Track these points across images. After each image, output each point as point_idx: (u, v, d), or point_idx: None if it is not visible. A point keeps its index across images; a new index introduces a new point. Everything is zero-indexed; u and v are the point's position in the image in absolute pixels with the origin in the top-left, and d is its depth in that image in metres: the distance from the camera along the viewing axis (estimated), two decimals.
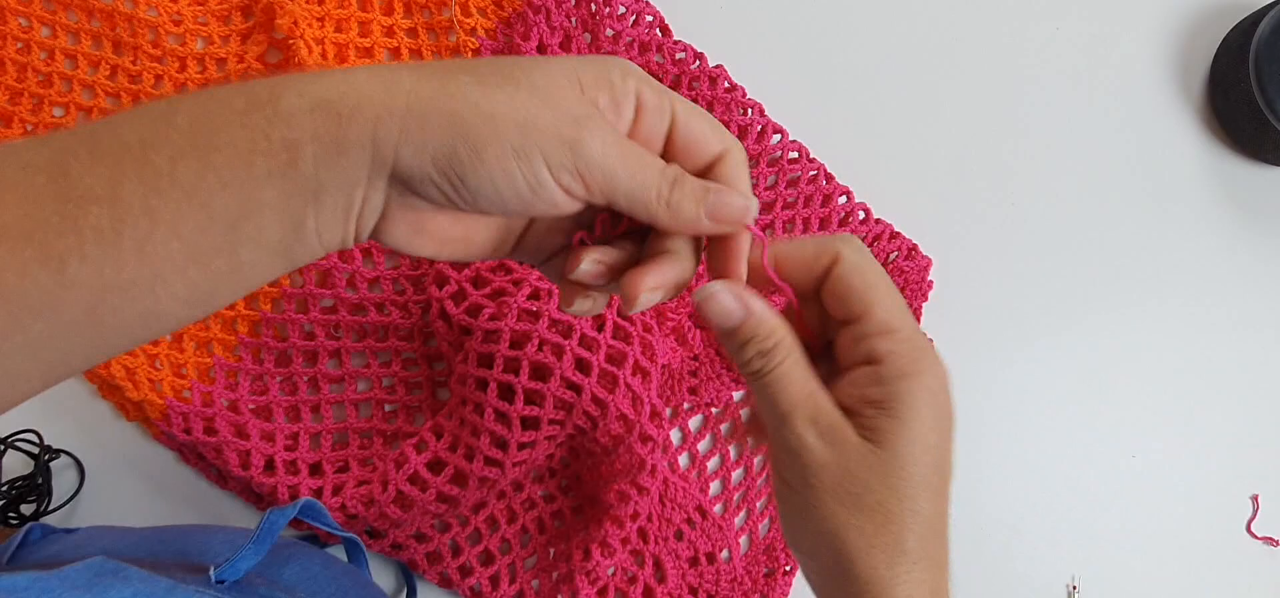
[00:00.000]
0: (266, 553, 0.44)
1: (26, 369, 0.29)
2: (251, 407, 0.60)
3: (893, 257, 0.63)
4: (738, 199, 0.33)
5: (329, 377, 0.61)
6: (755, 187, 0.62)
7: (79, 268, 0.28)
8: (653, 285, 0.33)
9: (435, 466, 0.57)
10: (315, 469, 0.60)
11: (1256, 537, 0.66)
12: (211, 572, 0.42)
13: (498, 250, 0.36)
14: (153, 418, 0.58)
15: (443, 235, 0.33)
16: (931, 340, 0.34)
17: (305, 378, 0.61)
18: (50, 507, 0.59)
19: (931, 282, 0.65)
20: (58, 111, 0.62)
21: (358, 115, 0.29)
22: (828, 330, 0.36)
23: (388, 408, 0.62)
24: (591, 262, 0.34)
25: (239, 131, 0.29)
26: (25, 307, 0.28)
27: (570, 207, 0.32)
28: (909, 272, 0.64)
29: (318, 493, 0.58)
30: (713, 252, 0.35)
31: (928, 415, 0.33)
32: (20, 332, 0.28)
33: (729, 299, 0.34)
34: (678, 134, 0.34)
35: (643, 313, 0.54)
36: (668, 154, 0.34)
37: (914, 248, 0.64)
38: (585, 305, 0.36)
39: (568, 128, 0.30)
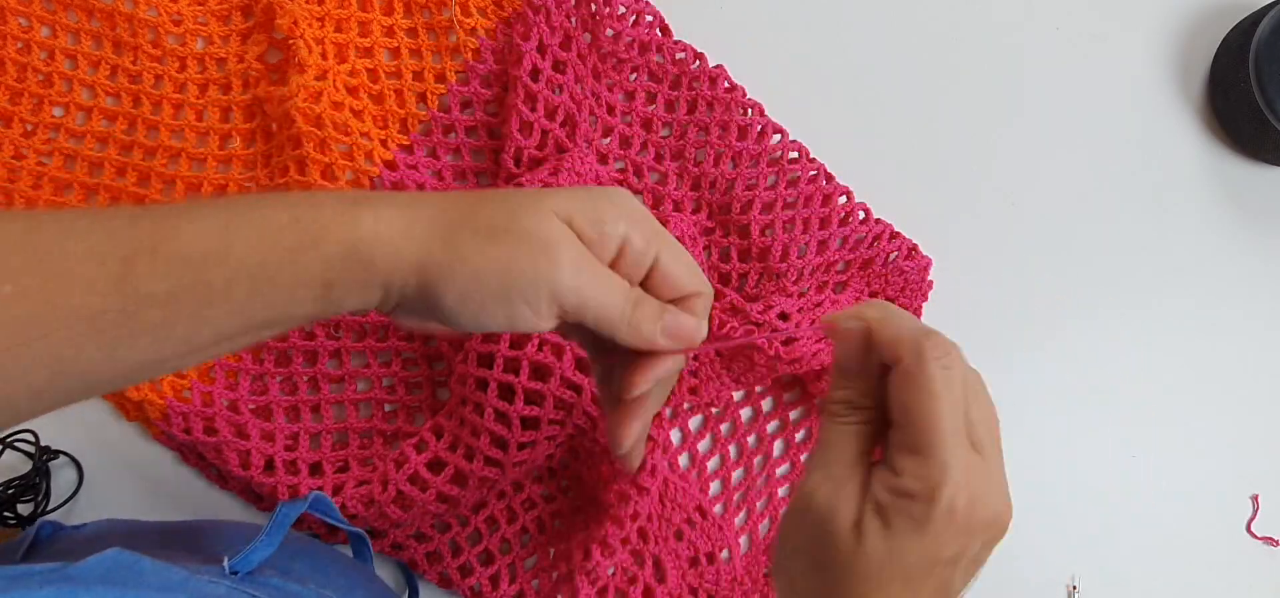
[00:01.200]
0: (278, 546, 0.44)
1: (44, 405, 0.33)
2: (251, 406, 0.60)
3: (893, 257, 0.63)
4: (690, 321, 0.39)
5: (329, 376, 0.61)
6: (755, 187, 0.63)
7: (128, 352, 0.33)
8: (636, 433, 0.42)
9: (435, 465, 0.57)
10: (315, 469, 0.60)
11: (1256, 537, 0.66)
12: (226, 562, 0.42)
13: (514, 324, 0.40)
14: (152, 418, 0.58)
15: (446, 329, 0.39)
16: (987, 464, 0.34)
17: (305, 378, 0.61)
18: (49, 507, 0.59)
19: (932, 282, 0.65)
20: (58, 111, 0.62)
21: (377, 266, 0.35)
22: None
23: (388, 408, 0.62)
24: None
25: (289, 270, 0.34)
26: (70, 373, 0.32)
27: (547, 326, 0.37)
28: (909, 272, 0.63)
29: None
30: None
31: (912, 545, 0.33)
32: (55, 390, 0.33)
33: (855, 344, 0.37)
34: (657, 273, 0.39)
35: None
36: (646, 284, 0.39)
37: (914, 248, 0.64)
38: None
39: (544, 266, 0.36)
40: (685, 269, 0.39)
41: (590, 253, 0.37)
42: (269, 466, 0.59)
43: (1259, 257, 0.68)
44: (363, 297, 0.36)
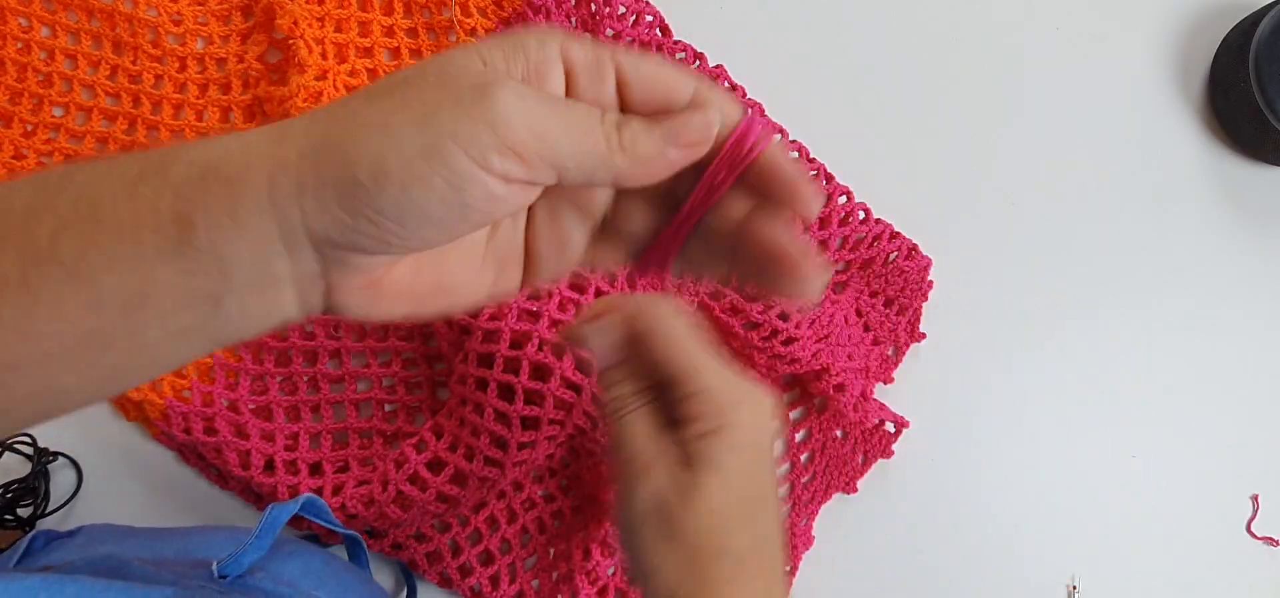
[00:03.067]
0: (269, 549, 0.44)
1: None
2: (251, 407, 0.60)
3: (892, 257, 0.63)
4: (697, 117, 0.29)
5: (329, 376, 0.61)
6: None
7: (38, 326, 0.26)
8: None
9: (435, 465, 0.57)
10: (315, 469, 0.60)
11: (1256, 537, 0.66)
12: (214, 566, 0.42)
13: (498, 283, 0.33)
14: (152, 418, 0.58)
15: (410, 291, 0.30)
16: (744, 380, 0.36)
17: (305, 378, 0.61)
18: (48, 509, 0.59)
19: (932, 281, 0.64)
20: (57, 111, 0.62)
21: (248, 177, 0.26)
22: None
23: (388, 408, 0.62)
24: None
25: (126, 204, 0.26)
26: None
27: (518, 197, 0.28)
28: (909, 272, 0.63)
29: (318, 493, 0.58)
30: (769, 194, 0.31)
31: (732, 464, 0.34)
32: None
33: (592, 347, 0.36)
34: (631, 91, 0.30)
35: None
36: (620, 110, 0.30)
37: (914, 248, 0.64)
38: None
39: (475, 101, 0.26)
40: (664, 68, 0.30)
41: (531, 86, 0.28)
42: (269, 466, 0.59)
43: (1259, 257, 0.68)
44: (243, 238, 0.26)
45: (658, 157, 0.29)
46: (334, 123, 0.27)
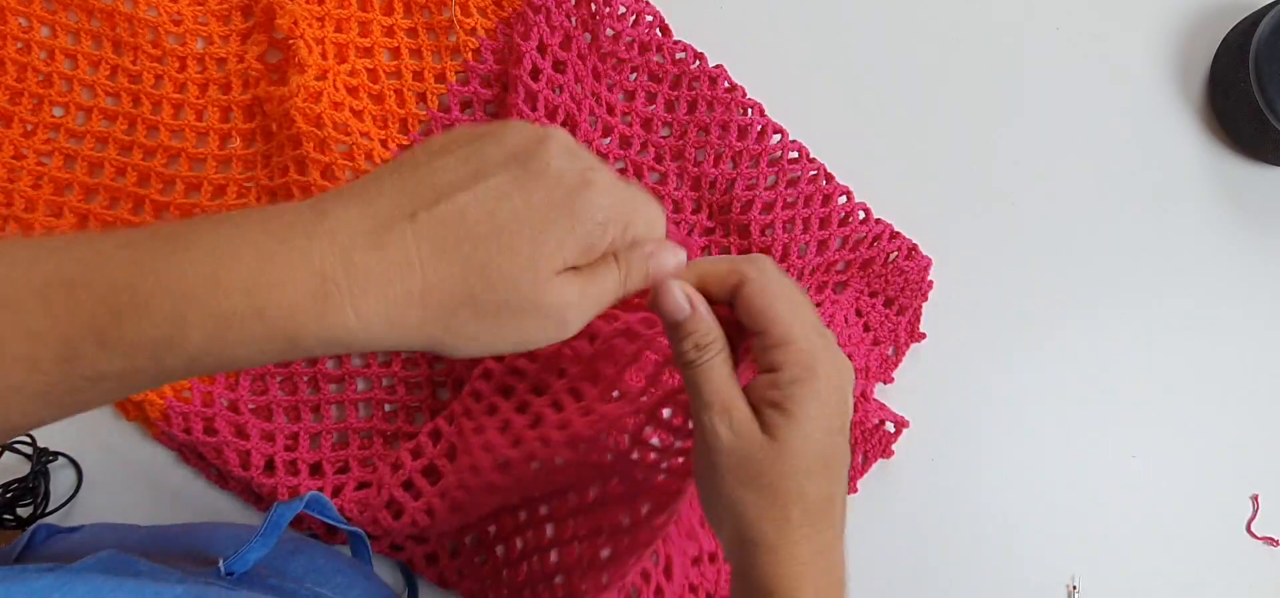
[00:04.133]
0: (274, 546, 0.44)
1: None
2: (251, 406, 0.60)
3: (892, 256, 0.63)
4: (670, 256, 0.39)
5: (329, 376, 0.61)
6: (755, 187, 0.63)
7: (81, 405, 0.31)
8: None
9: (431, 472, 0.57)
10: (315, 469, 0.60)
11: (1256, 537, 0.66)
12: (220, 563, 0.42)
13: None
14: (152, 417, 0.58)
15: None
16: (831, 341, 0.40)
17: (305, 378, 0.61)
18: (48, 509, 0.59)
19: (932, 281, 0.64)
20: (58, 111, 0.62)
21: (367, 349, 0.33)
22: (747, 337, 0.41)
23: (388, 408, 0.62)
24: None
25: (254, 355, 0.32)
26: (17, 428, 0.31)
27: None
28: (909, 271, 0.63)
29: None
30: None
31: (814, 414, 0.38)
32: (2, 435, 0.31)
33: (680, 296, 0.39)
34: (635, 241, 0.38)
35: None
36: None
37: (914, 247, 0.64)
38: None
39: (555, 329, 0.35)
40: (657, 221, 0.39)
41: (585, 273, 0.36)
42: (269, 466, 0.59)
43: (1259, 257, 0.68)
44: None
45: (641, 283, 0.38)
46: (448, 331, 0.34)
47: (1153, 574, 0.66)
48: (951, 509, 0.65)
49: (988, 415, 0.66)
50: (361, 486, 0.59)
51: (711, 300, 0.40)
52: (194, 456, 0.61)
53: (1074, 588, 0.65)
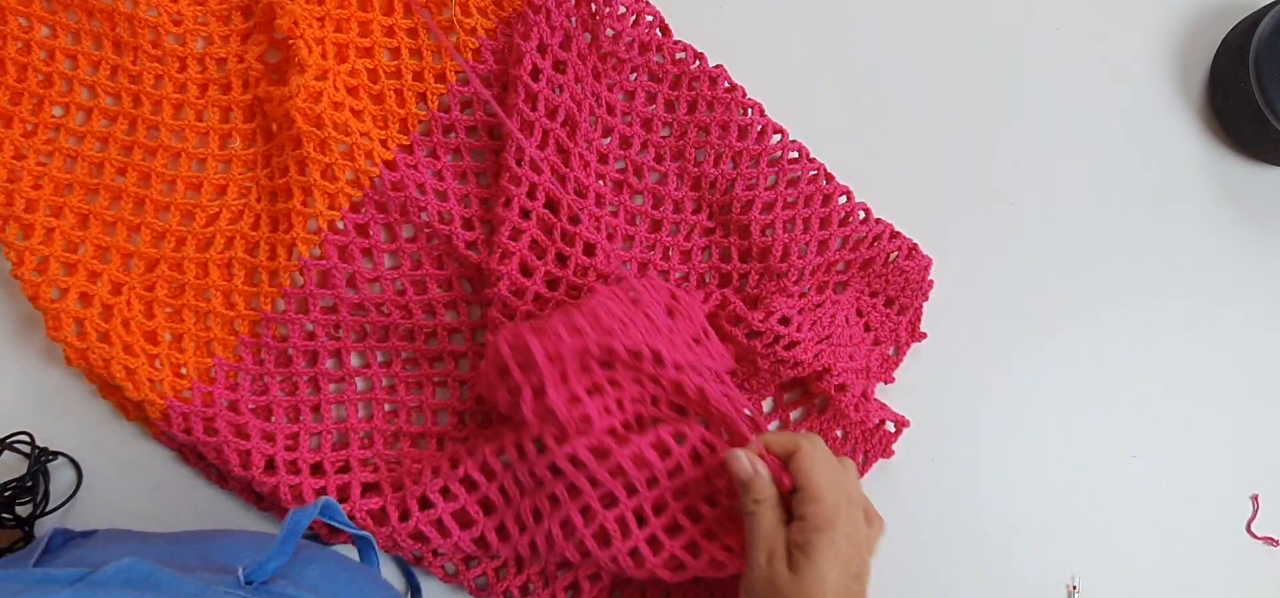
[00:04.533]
0: (291, 554, 0.44)
1: None
2: (252, 407, 0.60)
3: (893, 256, 0.63)
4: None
5: (329, 376, 0.61)
6: (756, 187, 0.63)
7: None
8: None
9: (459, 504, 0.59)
10: (316, 469, 0.60)
11: (1256, 537, 0.67)
12: (240, 572, 0.42)
13: None
14: (153, 417, 0.58)
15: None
16: (857, 508, 0.51)
17: (305, 378, 0.61)
18: (47, 509, 0.59)
19: (932, 281, 0.64)
20: (58, 111, 0.62)
21: None
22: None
23: (388, 408, 0.62)
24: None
25: None
26: None
27: None
28: (909, 271, 0.63)
29: (320, 493, 0.58)
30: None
31: (830, 559, 0.48)
32: None
33: (746, 463, 0.52)
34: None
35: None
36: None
37: (914, 247, 0.64)
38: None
39: None
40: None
41: None
42: (270, 466, 0.59)
43: (1259, 257, 0.68)
44: None
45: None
46: None
47: (1153, 574, 0.66)
48: (951, 509, 0.65)
49: (988, 416, 0.66)
50: (368, 488, 0.59)
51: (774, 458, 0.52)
52: (194, 455, 0.61)
53: (1074, 588, 0.65)
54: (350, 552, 0.57)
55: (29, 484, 0.58)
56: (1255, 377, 0.68)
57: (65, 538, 0.49)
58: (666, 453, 0.55)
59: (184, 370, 0.59)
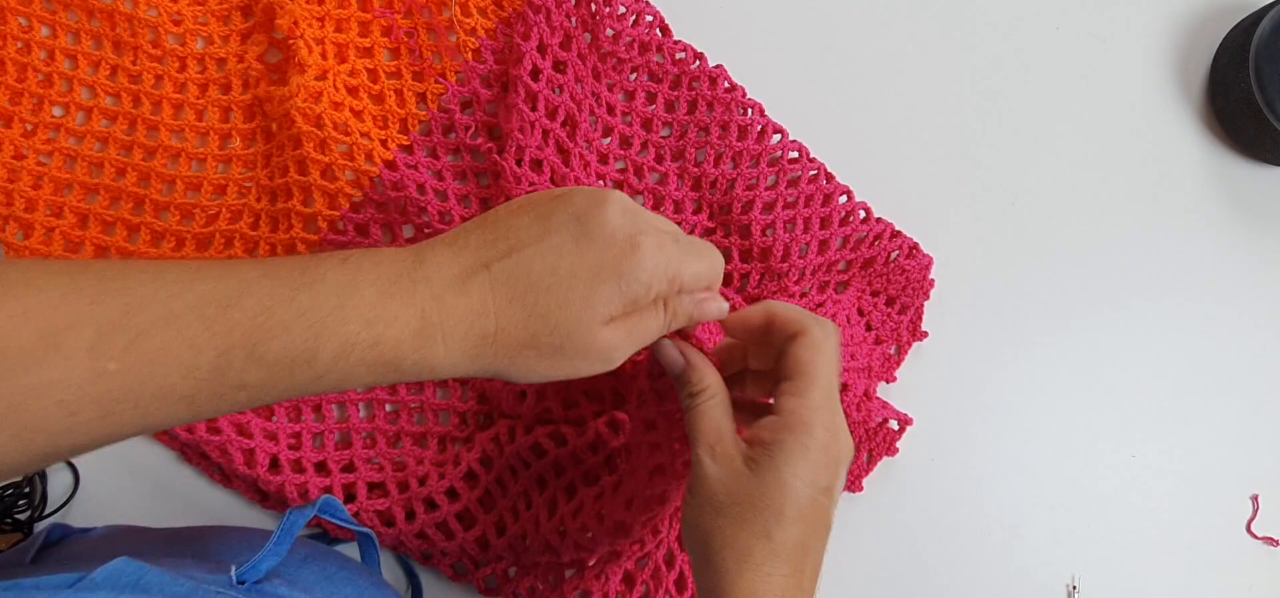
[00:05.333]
0: (286, 553, 0.44)
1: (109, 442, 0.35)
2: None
3: (894, 255, 0.63)
4: (715, 302, 0.45)
5: None
6: (756, 187, 0.63)
7: (211, 412, 0.36)
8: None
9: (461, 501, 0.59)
10: (321, 467, 0.60)
11: (1256, 537, 0.66)
12: (233, 571, 0.42)
13: None
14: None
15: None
16: (841, 418, 0.44)
17: None
18: (45, 511, 0.59)
19: (933, 280, 0.64)
20: (58, 111, 0.62)
21: (450, 375, 0.39)
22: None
23: (389, 408, 0.62)
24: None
25: (367, 375, 0.38)
26: (151, 427, 0.35)
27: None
28: (910, 270, 0.63)
29: (325, 491, 0.58)
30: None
31: (798, 463, 0.41)
32: (127, 437, 0.35)
33: (673, 352, 0.45)
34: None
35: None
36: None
37: (915, 246, 0.64)
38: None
39: (603, 366, 0.41)
40: (707, 275, 0.44)
41: (632, 317, 0.41)
42: (274, 464, 0.59)
43: (1259, 257, 0.68)
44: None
45: (689, 315, 0.43)
46: (512, 364, 0.40)
47: (1153, 574, 0.66)
48: (952, 509, 0.65)
49: (987, 415, 0.66)
50: (374, 488, 0.59)
51: (748, 334, 0.46)
52: (196, 454, 0.61)
53: (1074, 588, 0.65)
54: (351, 550, 0.57)
55: (26, 490, 0.58)
56: (1255, 377, 0.68)
57: (62, 533, 0.49)
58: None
59: None
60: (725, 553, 0.42)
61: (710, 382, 0.44)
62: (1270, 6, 0.64)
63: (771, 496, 0.41)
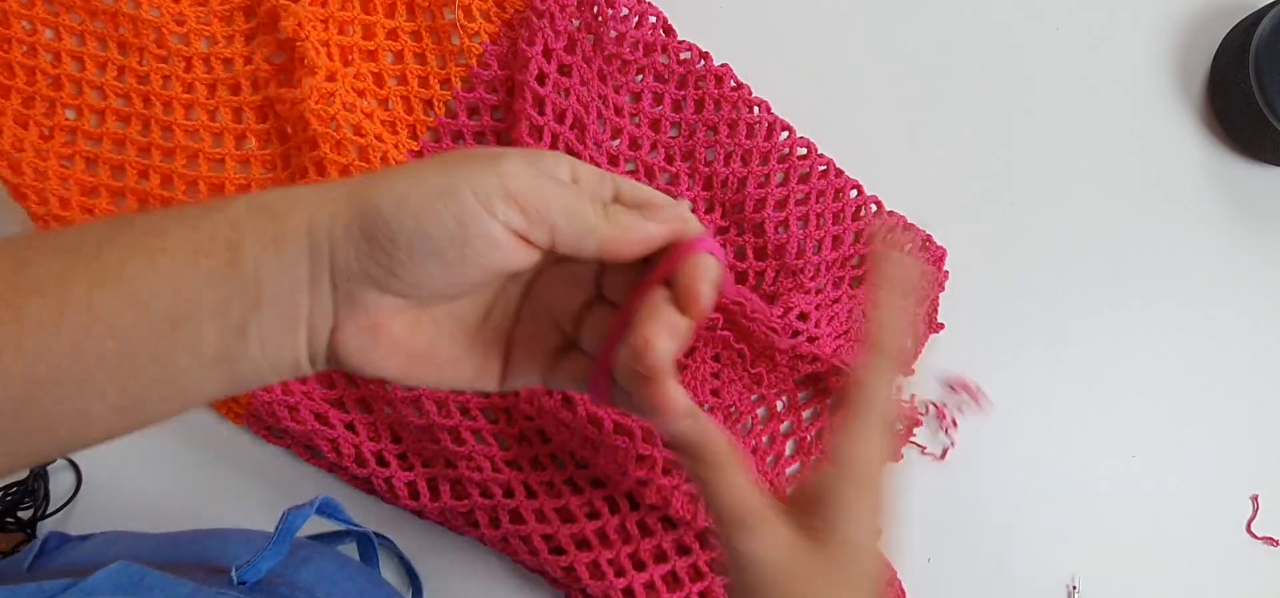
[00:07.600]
0: (285, 554, 0.44)
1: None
2: (327, 399, 0.59)
3: (907, 249, 0.63)
4: (671, 205, 0.35)
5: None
6: (767, 184, 0.63)
7: (13, 359, 0.29)
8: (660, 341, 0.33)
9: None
10: (403, 460, 0.60)
11: (1256, 537, 0.67)
12: (233, 573, 0.42)
13: (479, 374, 0.37)
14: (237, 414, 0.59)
15: (403, 347, 0.34)
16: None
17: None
18: (48, 511, 0.59)
19: (948, 272, 0.65)
20: (70, 114, 0.61)
21: (294, 210, 0.31)
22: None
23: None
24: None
25: (189, 232, 0.31)
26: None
27: (514, 253, 0.32)
28: (924, 263, 0.63)
29: (410, 485, 0.59)
30: (677, 287, 0.34)
31: (867, 516, 0.36)
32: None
33: (682, 409, 0.35)
34: (622, 198, 0.35)
35: None
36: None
37: (928, 239, 0.64)
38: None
39: (489, 161, 0.32)
40: (649, 190, 0.36)
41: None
42: (359, 458, 0.59)
43: (1259, 257, 0.68)
44: (281, 263, 0.31)
45: (636, 228, 0.33)
46: (373, 177, 0.32)
47: (1153, 574, 0.66)
48: (952, 509, 0.65)
49: (987, 415, 0.66)
50: (455, 485, 0.59)
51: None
52: (272, 435, 0.61)
53: (1074, 588, 0.65)
54: (351, 550, 0.57)
55: (31, 488, 0.58)
56: (1255, 377, 0.68)
57: (60, 541, 0.49)
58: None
59: None
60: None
61: (717, 446, 0.36)
62: (1270, 6, 0.64)
63: (849, 574, 0.34)
